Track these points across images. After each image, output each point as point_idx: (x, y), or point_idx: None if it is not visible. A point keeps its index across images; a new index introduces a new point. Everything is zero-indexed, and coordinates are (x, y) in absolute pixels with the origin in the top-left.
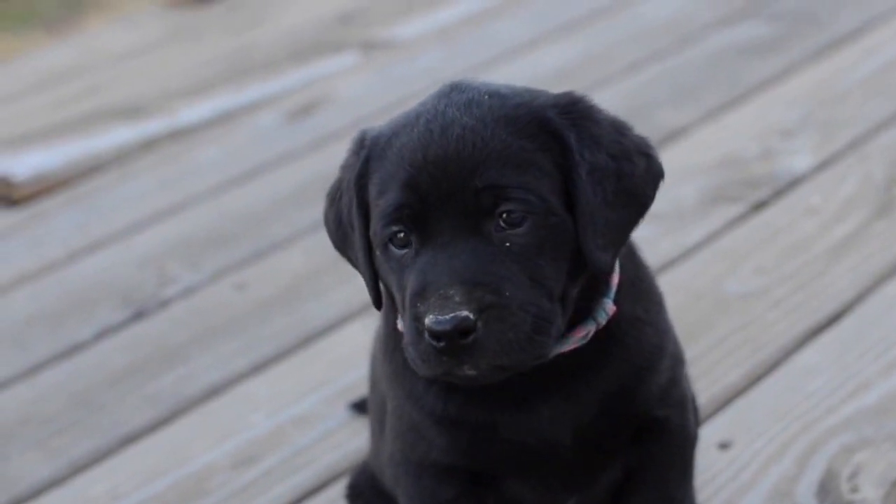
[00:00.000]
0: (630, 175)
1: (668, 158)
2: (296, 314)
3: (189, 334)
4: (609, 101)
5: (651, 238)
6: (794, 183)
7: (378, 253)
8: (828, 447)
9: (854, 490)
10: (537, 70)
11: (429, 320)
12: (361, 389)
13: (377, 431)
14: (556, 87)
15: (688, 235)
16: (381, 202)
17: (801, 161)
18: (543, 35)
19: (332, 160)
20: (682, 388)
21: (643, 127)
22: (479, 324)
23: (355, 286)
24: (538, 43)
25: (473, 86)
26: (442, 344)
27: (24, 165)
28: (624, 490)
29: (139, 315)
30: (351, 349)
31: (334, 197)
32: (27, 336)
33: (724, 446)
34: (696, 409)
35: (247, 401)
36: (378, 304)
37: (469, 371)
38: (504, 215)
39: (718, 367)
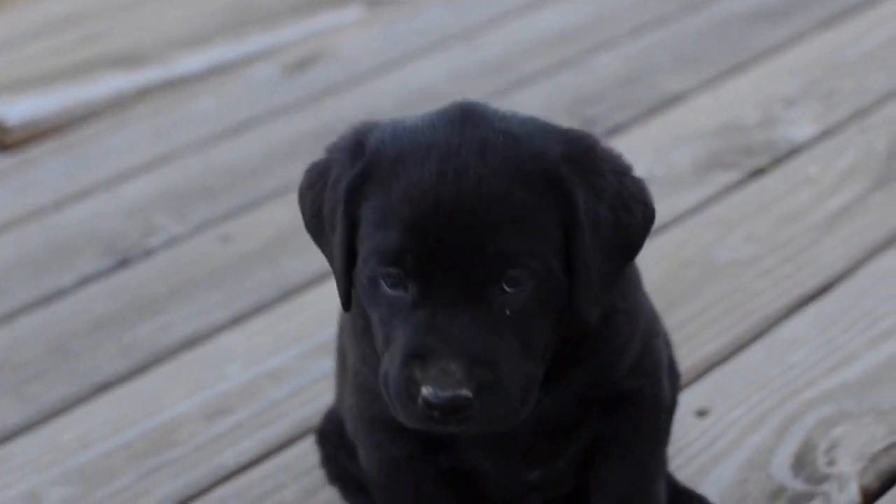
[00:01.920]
0: (627, 227)
1: (666, 124)
2: (277, 268)
3: (170, 285)
4: (610, 64)
5: None
6: (793, 152)
7: (363, 280)
8: (806, 419)
9: (831, 463)
10: (541, 30)
11: (427, 392)
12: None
13: (340, 380)
14: (560, 48)
15: (681, 201)
16: (379, 237)
17: (801, 130)
18: None
19: (328, 115)
20: (655, 358)
21: (643, 92)
22: (475, 401)
23: None
24: (543, 3)
25: (487, 118)
26: (435, 413)
27: (17, 110)
28: (593, 460)
29: (122, 264)
30: (330, 305)
31: (316, 182)
32: (8, 281)
33: (701, 414)
34: (677, 377)
35: (223, 353)
36: (348, 306)
37: (453, 431)
38: (508, 280)
39: (701, 335)
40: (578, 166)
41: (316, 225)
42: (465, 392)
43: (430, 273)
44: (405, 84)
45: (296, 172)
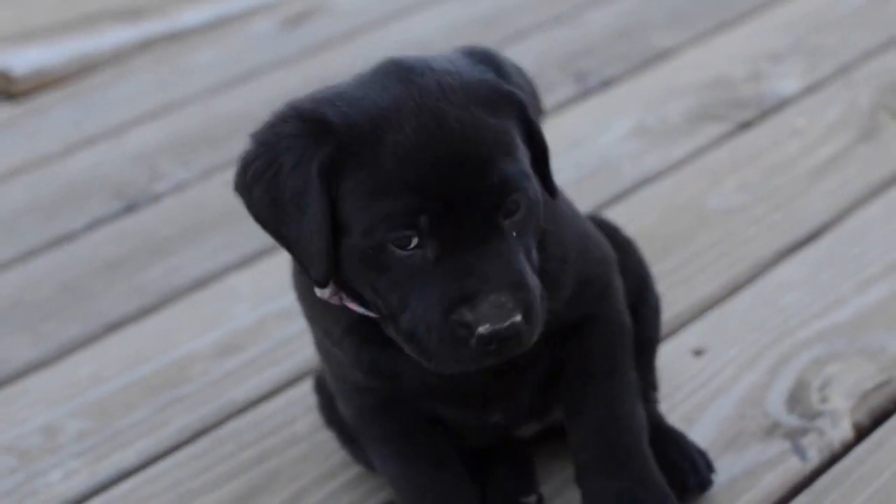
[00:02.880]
0: (538, 105)
1: (658, 78)
2: None
3: (178, 228)
4: (603, 20)
5: (636, 153)
6: (781, 105)
7: (364, 250)
8: (800, 359)
9: (824, 400)
10: None
11: (485, 329)
12: None
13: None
14: (554, 3)
15: (672, 151)
16: (384, 204)
17: (788, 84)
18: None
19: (323, 68)
20: (600, 286)
21: (635, 47)
22: (523, 324)
23: None
24: None
25: (421, 66)
26: (493, 346)
27: (23, 61)
28: (560, 393)
29: (130, 208)
30: None
31: (262, 173)
32: (20, 225)
33: (698, 353)
34: (657, 310)
35: (231, 293)
36: (325, 283)
37: (497, 361)
38: (508, 204)
39: (695, 278)
40: (506, 76)
41: (273, 213)
42: (518, 317)
43: (446, 224)
44: (401, 38)
45: None
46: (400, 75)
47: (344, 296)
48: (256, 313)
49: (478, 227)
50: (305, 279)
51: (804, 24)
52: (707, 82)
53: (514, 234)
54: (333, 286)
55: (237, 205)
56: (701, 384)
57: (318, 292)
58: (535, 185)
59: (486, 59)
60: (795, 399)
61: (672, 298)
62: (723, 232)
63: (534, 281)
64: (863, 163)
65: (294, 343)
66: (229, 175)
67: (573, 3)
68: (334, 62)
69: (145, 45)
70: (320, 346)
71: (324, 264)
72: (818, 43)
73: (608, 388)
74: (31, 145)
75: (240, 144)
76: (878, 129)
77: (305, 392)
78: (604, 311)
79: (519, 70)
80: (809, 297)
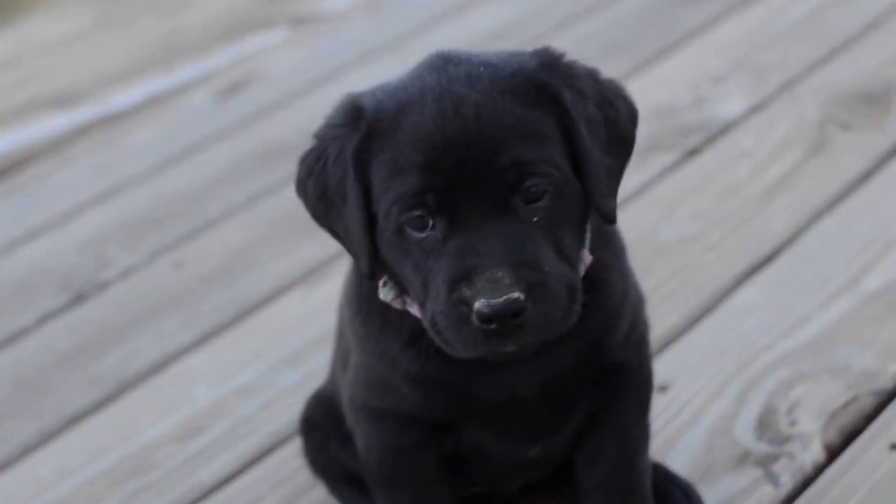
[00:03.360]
0: (616, 121)
1: None
2: (234, 288)
3: (130, 314)
4: None
5: None
6: (727, 128)
7: (388, 234)
8: (766, 383)
9: (793, 423)
10: (469, 33)
11: (480, 304)
12: (301, 357)
13: (339, 373)
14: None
15: (623, 186)
16: (397, 184)
17: (733, 106)
18: None
19: (265, 136)
20: (642, 330)
21: None
22: (528, 303)
23: (291, 258)
24: (469, 6)
25: (462, 57)
26: (493, 326)
27: None
28: (584, 431)
29: (80, 298)
30: (289, 319)
31: (313, 167)
32: None
33: (663, 388)
34: None
35: (189, 375)
36: (372, 275)
37: (511, 348)
38: (528, 190)
39: (656, 312)
40: (556, 72)
41: (324, 206)
42: (517, 294)
43: (453, 203)
44: (337, 99)
45: (241, 193)
46: (437, 65)
47: (406, 299)
48: (216, 392)
49: (486, 206)
50: (361, 289)
51: (743, 43)
52: (651, 112)
53: (535, 219)
54: (395, 289)
55: (187, 285)
56: (668, 420)
57: (382, 294)
58: (569, 177)
59: (549, 59)
60: (764, 425)
61: None
62: (679, 262)
63: (557, 268)
64: (814, 178)
65: (257, 417)
66: (178, 254)
67: (508, 45)
68: (273, 129)
69: (81, 131)
70: (368, 376)
71: (365, 253)
72: (760, 61)
73: (631, 433)
74: None
75: (185, 222)
76: (828, 142)
77: (273, 466)
78: (639, 359)
79: (597, 81)
80: (771, 320)
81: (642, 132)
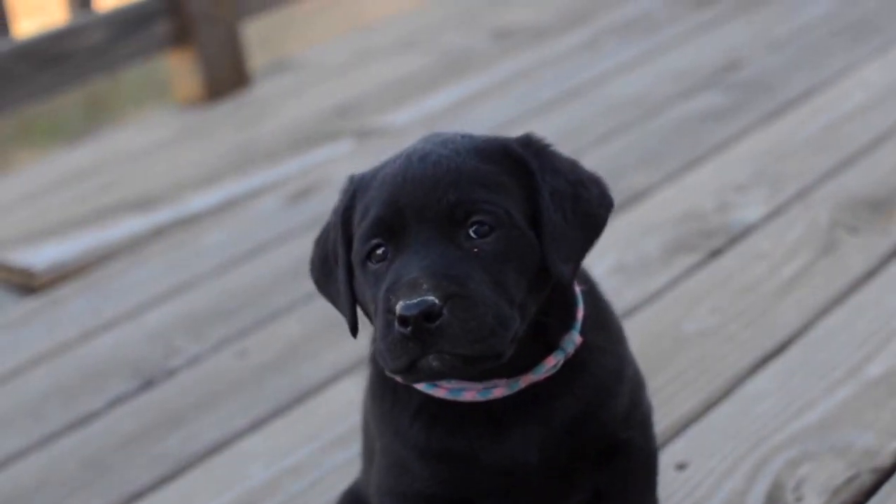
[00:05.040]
0: (586, 199)
1: (636, 216)
2: (291, 375)
3: (193, 399)
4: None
5: (618, 288)
6: (747, 231)
7: (357, 273)
8: (775, 462)
9: (799, 499)
10: None
11: (398, 307)
12: (350, 439)
13: (367, 466)
14: None
15: (651, 284)
16: (364, 223)
17: (753, 212)
18: (522, 115)
19: None
20: (643, 411)
21: (613, 189)
22: (445, 310)
23: (345, 348)
24: (517, 122)
25: (449, 132)
26: (409, 329)
27: (43, 256)
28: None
29: (147, 384)
30: (341, 404)
31: (320, 239)
32: (43, 409)
33: (681, 467)
34: None
35: (245, 455)
36: (354, 331)
37: (434, 362)
38: (474, 227)
39: (677, 397)
40: (531, 148)
41: (324, 273)
42: (431, 297)
43: (403, 232)
44: None
45: (302, 288)
46: (423, 137)
47: None
48: (270, 471)
49: (432, 235)
50: (377, 374)
51: (766, 155)
52: (679, 217)
53: (476, 250)
54: None
55: (249, 372)
56: (685, 496)
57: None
58: (520, 226)
59: (528, 139)
60: (773, 501)
61: (656, 417)
62: (699, 352)
63: (486, 293)
64: (823, 276)
65: (307, 495)
66: (241, 344)
67: None
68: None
69: (159, 232)
70: (386, 460)
71: (348, 306)
72: (779, 171)
73: None
74: (52, 334)
75: (250, 315)
76: (836, 244)
77: None
78: (644, 439)
79: (575, 165)
80: (782, 404)
81: (670, 235)
